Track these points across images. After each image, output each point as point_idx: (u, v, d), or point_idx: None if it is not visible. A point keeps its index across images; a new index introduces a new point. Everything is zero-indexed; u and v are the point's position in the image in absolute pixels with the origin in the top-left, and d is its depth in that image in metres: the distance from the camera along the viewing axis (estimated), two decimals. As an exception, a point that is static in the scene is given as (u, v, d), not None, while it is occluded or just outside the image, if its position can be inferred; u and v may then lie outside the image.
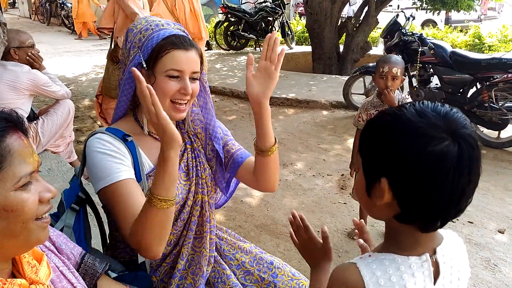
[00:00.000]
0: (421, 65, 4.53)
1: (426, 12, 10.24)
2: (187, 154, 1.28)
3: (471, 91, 4.31)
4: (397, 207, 0.72)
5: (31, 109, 3.03)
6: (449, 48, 4.47)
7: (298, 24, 11.96)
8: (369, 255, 0.75)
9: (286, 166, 3.81)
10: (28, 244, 0.77)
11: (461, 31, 10.72)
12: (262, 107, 1.18)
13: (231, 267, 1.33)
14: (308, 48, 8.82)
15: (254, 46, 10.07)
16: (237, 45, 9.74)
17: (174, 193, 1.02)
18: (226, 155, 1.33)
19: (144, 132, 1.24)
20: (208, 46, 9.89)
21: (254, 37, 9.60)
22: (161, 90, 1.15)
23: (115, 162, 1.12)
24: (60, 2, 14.23)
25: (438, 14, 9.67)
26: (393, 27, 4.90)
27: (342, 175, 3.63)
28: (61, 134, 3.16)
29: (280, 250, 2.60)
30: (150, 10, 3.75)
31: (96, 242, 1.37)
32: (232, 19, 9.51)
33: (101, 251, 1.33)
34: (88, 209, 1.28)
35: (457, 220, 2.86)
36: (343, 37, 7.99)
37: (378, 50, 9.13)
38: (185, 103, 1.19)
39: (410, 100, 2.60)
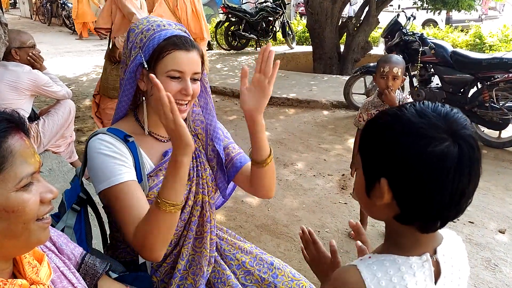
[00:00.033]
0: (422, 65, 4.53)
1: (427, 12, 10.25)
2: (187, 155, 1.28)
3: (472, 91, 4.31)
4: (397, 208, 0.72)
5: (32, 109, 3.03)
6: (450, 48, 4.47)
7: (299, 24, 11.96)
8: (369, 257, 0.75)
9: (286, 166, 3.82)
10: (29, 245, 0.77)
11: (462, 30, 10.71)
12: (256, 122, 1.16)
13: (231, 267, 1.33)
14: (309, 48, 8.82)
15: (255, 46, 10.07)
16: (237, 45, 9.73)
17: (182, 197, 1.04)
18: (226, 158, 1.33)
19: (144, 132, 1.24)
20: (209, 46, 9.89)
21: (254, 37, 9.60)
22: None
23: (117, 164, 1.12)
24: (61, 2, 14.23)
25: (439, 14, 9.66)
26: (394, 27, 4.90)
27: (343, 175, 3.63)
28: (62, 134, 3.16)
29: (280, 250, 2.60)
30: (152, 11, 3.75)
31: (96, 242, 1.37)
32: (233, 19, 9.51)
33: (102, 251, 1.34)
34: (89, 209, 1.28)
35: (458, 220, 2.86)
36: (344, 37, 7.99)
37: (378, 50, 9.12)
38: (186, 104, 1.20)
39: (411, 100, 2.60)
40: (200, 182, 1.27)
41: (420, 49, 4.44)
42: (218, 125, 1.34)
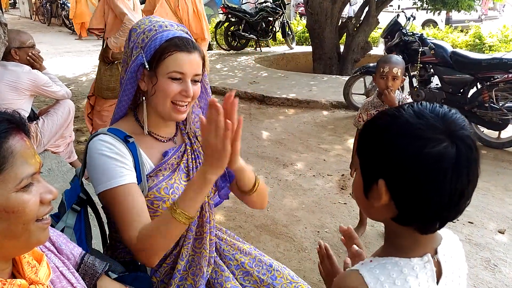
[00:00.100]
0: (421, 65, 4.54)
1: (427, 12, 10.25)
2: (187, 155, 1.28)
3: (472, 91, 4.31)
4: (395, 209, 0.71)
5: (32, 109, 3.04)
6: (450, 48, 4.47)
7: (299, 24, 11.96)
8: (370, 260, 0.75)
9: (286, 166, 3.82)
10: (28, 245, 0.77)
11: (461, 31, 10.72)
12: (233, 168, 1.16)
13: (230, 267, 1.33)
14: (309, 48, 8.82)
15: (255, 46, 10.07)
16: (237, 45, 9.73)
17: (196, 212, 1.07)
18: None
19: (144, 132, 1.24)
20: (209, 46, 9.88)
21: (254, 37, 9.60)
22: (163, 91, 1.16)
23: (118, 166, 1.12)
24: (61, 2, 14.24)
25: (439, 14, 9.66)
26: (394, 27, 4.90)
27: (343, 175, 3.63)
28: (61, 134, 3.16)
29: (280, 250, 2.60)
30: (153, 11, 3.75)
31: (96, 243, 1.37)
32: (233, 19, 9.51)
33: (102, 251, 1.33)
34: (89, 210, 1.28)
35: (457, 220, 2.86)
36: (344, 37, 7.99)
37: (378, 50, 9.13)
38: (186, 105, 1.20)
39: (410, 100, 2.61)
40: None
41: (420, 50, 4.44)
42: None
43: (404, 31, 4.73)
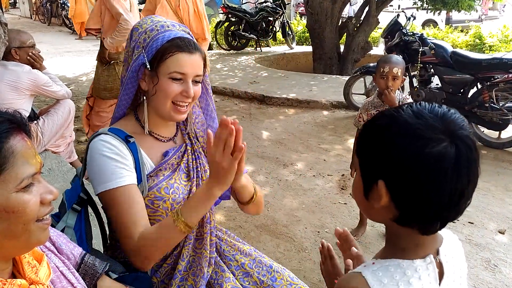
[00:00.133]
0: (421, 65, 4.54)
1: (427, 12, 10.26)
2: (188, 156, 1.28)
3: (472, 91, 4.31)
4: (395, 210, 0.71)
5: (32, 109, 3.03)
6: (450, 48, 4.47)
7: (299, 24, 11.97)
8: (373, 263, 0.74)
9: (286, 166, 3.82)
10: (28, 245, 0.77)
11: (461, 31, 10.72)
12: (237, 186, 1.20)
13: (230, 268, 1.33)
14: (309, 48, 8.82)
15: (255, 46, 10.07)
16: (237, 45, 9.74)
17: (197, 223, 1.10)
18: None
19: (145, 132, 1.24)
20: (209, 46, 9.88)
21: (254, 37, 9.60)
22: (164, 91, 1.16)
23: (118, 167, 1.13)
24: (61, 2, 14.24)
25: (439, 14, 9.67)
26: (394, 27, 4.90)
27: (343, 175, 3.63)
28: (61, 134, 3.16)
29: (280, 250, 2.60)
30: (154, 10, 3.75)
31: (96, 243, 1.37)
32: (233, 19, 9.51)
33: (102, 251, 1.33)
34: (89, 209, 1.28)
35: (457, 220, 2.86)
36: (344, 37, 7.99)
37: (378, 50, 9.13)
38: (186, 105, 1.21)
39: (410, 100, 2.60)
40: (201, 183, 1.27)
41: (420, 50, 4.44)
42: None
43: (404, 31, 4.73)
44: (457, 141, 0.66)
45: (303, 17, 12.63)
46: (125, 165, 1.14)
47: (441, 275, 0.74)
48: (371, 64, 4.92)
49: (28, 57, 2.90)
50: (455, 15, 12.09)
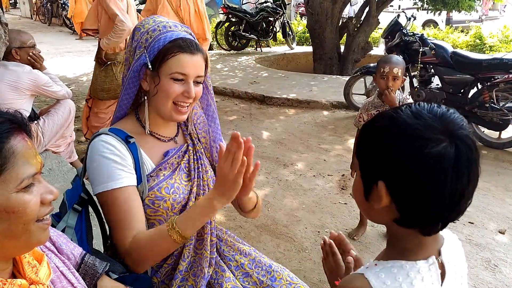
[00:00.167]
0: (422, 66, 4.54)
1: (427, 13, 10.25)
2: (189, 156, 1.29)
3: (472, 91, 4.31)
4: (396, 211, 0.71)
5: (32, 109, 3.04)
6: (450, 49, 4.47)
7: (299, 25, 11.97)
8: (375, 264, 0.74)
9: (286, 166, 3.82)
10: (28, 245, 0.77)
11: (462, 31, 10.72)
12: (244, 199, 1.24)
13: (230, 268, 1.33)
14: (309, 49, 8.82)
15: (255, 46, 10.08)
16: (238, 45, 9.74)
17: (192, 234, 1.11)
18: None
19: (145, 132, 1.24)
20: (209, 47, 9.88)
21: (255, 37, 9.60)
22: (165, 92, 1.17)
23: (117, 168, 1.13)
24: (61, 2, 14.26)
25: (439, 14, 9.66)
26: (394, 28, 4.90)
27: (343, 175, 3.63)
28: (61, 134, 3.16)
29: (280, 250, 2.60)
30: (154, 10, 3.75)
31: (96, 243, 1.37)
32: (233, 20, 9.51)
33: (102, 251, 1.33)
34: (90, 209, 1.28)
35: (458, 220, 2.86)
36: (344, 37, 7.99)
37: (379, 50, 9.13)
38: (187, 106, 1.21)
39: (411, 100, 2.60)
40: (201, 184, 1.27)
41: (420, 50, 4.45)
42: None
43: (404, 31, 4.73)
44: (457, 141, 0.66)
45: (303, 17, 12.63)
46: (124, 167, 1.14)
47: (443, 275, 0.74)
48: (371, 64, 4.92)
49: (29, 57, 2.90)
50: (455, 15, 12.09)
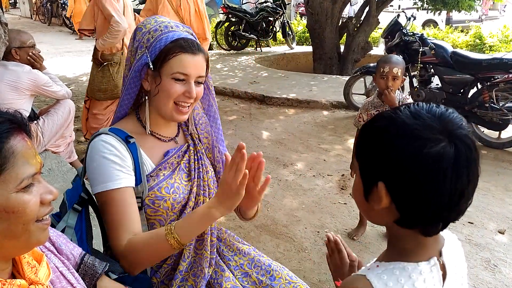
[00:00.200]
0: (422, 65, 4.54)
1: (427, 12, 10.25)
2: (189, 156, 1.29)
3: (472, 91, 4.31)
4: (396, 212, 0.71)
5: (32, 109, 3.04)
6: (450, 48, 4.47)
7: (299, 24, 11.97)
8: (377, 265, 0.74)
9: (286, 166, 3.82)
10: (28, 245, 0.77)
11: (462, 31, 10.72)
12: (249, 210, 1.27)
13: (229, 267, 1.33)
14: (309, 48, 8.82)
15: (255, 46, 10.08)
16: (238, 45, 9.74)
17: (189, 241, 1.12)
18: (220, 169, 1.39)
19: (146, 132, 1.24)
20: (209, 46, 9.88)
21: (255, 37, 9.60)
22: (166, 92, 1.17)
23: (116, 168, 1.13)
24: (61, 2, 14.26)
25: (439, 14, 9.67)
26: (394, 27, 4.90)
27: (343, 175, 3.63)
28: (61, 134, 3.16)
29: (280, 250, 2.60)
30: (155, 10, 3.75)
31: (96, 243, 1.37)
32: (233, 19, 9.51)
33: (102, 251, 1.33)
34: (90, 209, 1.28)
35: (457, 220, 2.86)
36: (344, 37, 7.99)
37: (379, 50, 9.13)
38: (188, 106, 1.21)
39: (410, 100, 2.61)
40: (202, 184, 1.28)
41: (420, 50, 4.44)
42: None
43: (404, 31, 4.73)
44: (456, 140, 0.66)
45: (303, 17, 12.63)
46: (123, 167, 1.14)
47: (444, 276, 0.74)
48: (371, 64, 4.92)
49: (28, 57, 2.90)
50: (455, 15, 12.09)
